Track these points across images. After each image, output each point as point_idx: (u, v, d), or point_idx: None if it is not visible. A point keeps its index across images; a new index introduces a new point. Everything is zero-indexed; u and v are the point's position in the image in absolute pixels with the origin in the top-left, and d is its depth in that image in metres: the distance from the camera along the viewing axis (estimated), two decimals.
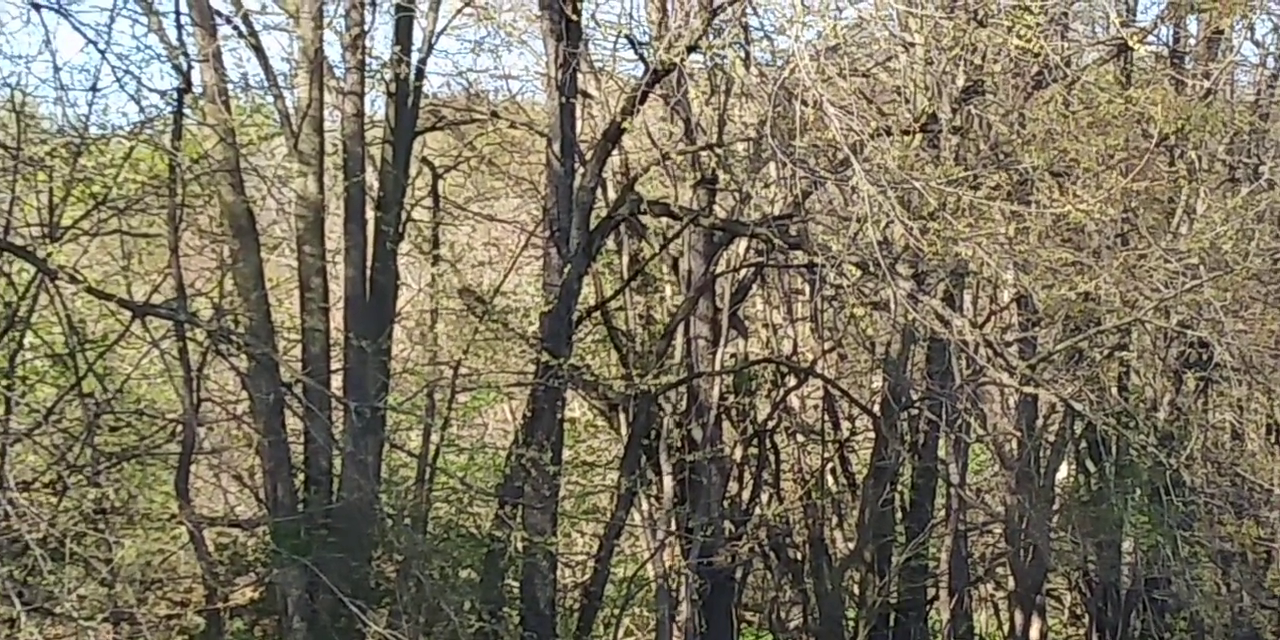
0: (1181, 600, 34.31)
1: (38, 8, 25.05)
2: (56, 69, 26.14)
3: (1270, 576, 35.45)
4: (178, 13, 25.86)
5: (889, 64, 30.76)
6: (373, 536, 26.39)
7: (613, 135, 29.15)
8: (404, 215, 28.56)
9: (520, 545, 27.90)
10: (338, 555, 24.98)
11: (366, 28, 26.91)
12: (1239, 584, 34.82)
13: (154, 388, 29.15)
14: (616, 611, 33.87)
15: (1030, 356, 31.59)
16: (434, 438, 30.67)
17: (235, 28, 26.78)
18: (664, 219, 31.59)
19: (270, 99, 27.65)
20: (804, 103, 26.82)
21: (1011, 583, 35.51)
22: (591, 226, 29.37)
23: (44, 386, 27.66)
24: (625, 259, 32.63)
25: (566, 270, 28.37)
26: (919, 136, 29.15)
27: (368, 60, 27.23)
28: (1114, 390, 33.40)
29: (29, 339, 26.76)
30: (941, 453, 33.78)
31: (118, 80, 26.58)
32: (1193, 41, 36.35)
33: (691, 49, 28.43)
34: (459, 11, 29.75)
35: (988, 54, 28.78)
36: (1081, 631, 38.61)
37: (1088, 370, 32.24)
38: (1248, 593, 35.07)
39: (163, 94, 26.43)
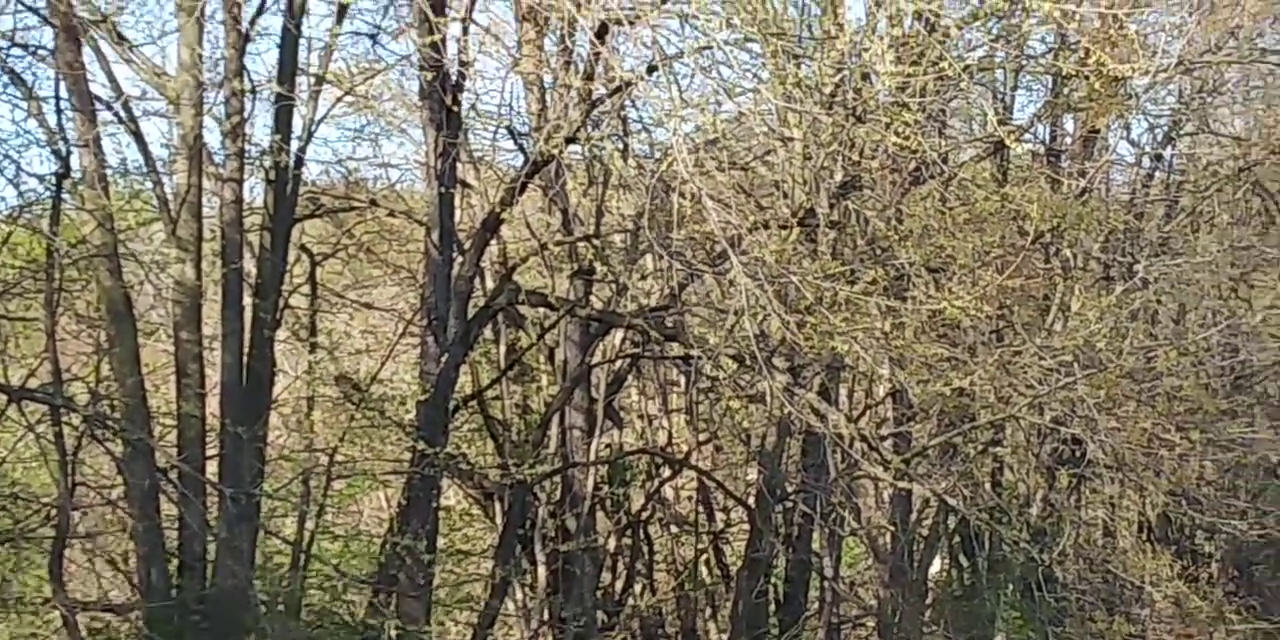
0: None
1: None
2: None
3: None
4: (57, 97, 26.05)
5: (767, 158, 30.90)
6: (246, 623, 26.16)
7: (491, 225, 29.36)
8: (282, 302, 28.47)
9: (394, 633, 27.73)
10: None
11: (246, 115, 26.91)
12: None
13: (29, 471, 28.99)
14: None
15: (905, 451, 31.56)
16: (309, 524, 30.71)
17: (115, 113, 26.83)
18: (541, 309, 31.62)
19: (149, 184, 27.60)
20: (682, 195, 26.83)
21: None
22: (469, 316, 29.43)
23: None
24: (502, 348, 32.63)
25: (444, 359, 28.42)
26: (796, 231, 29.19)
27: (247, 147, 27.17)
28: (987, 486, 33.62)
29: None
30: (816, 546, 33.77)
31: None
32: (1069, 140, 36.72)
33: (570, 140, 28.64)
34: (339, 100, 29.72)
35: (865, 150, 28.93)
36: None
37: (961, 465, 32.18)
38: None
39: (41, 178, 26.70)
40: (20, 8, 26.02)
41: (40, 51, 26.18)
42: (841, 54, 28.43)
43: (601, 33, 26.39)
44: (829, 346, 27.71)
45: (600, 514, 32.55)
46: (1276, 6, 35.12)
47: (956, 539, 35.45)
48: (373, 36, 29.50)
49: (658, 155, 29.00)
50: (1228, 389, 32.79)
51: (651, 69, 27.36)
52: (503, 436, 32.51)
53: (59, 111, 26.10)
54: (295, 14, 27.01)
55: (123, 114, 26.82)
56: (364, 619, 28.35)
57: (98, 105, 26.20)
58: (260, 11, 26.91)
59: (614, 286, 31.76)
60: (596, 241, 31.19)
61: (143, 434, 25.24)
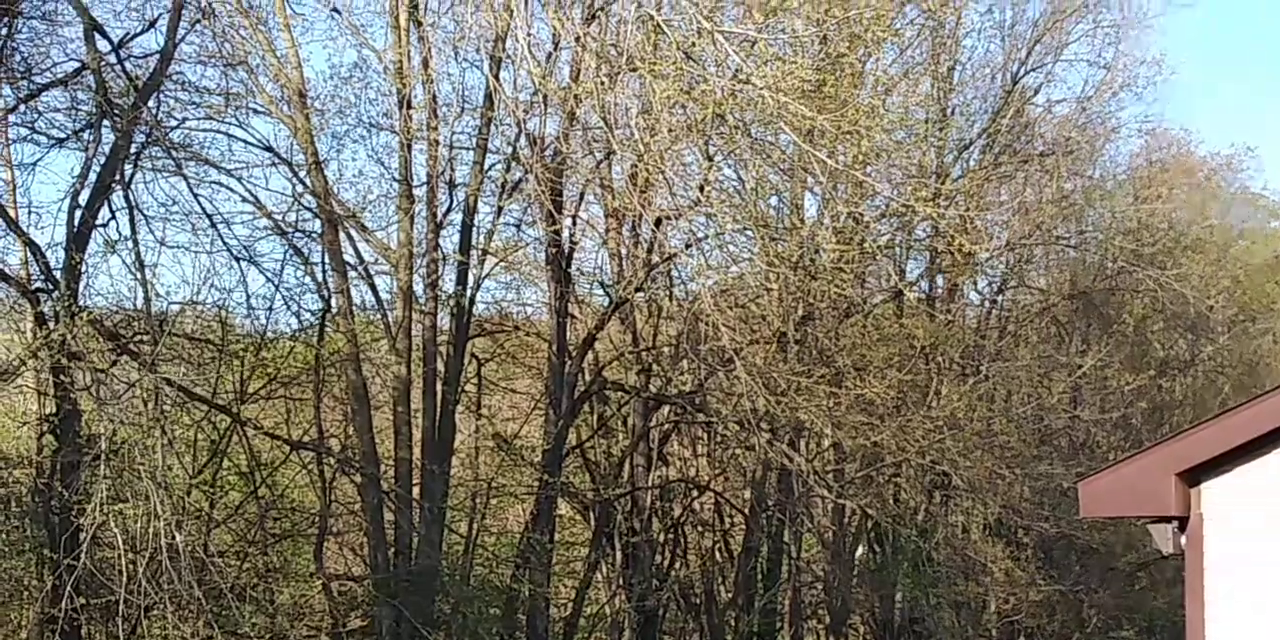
0: (932, 631, 33.91)
1: (238, 259, 25.93)
2: (248, 297, 26.96)
3: (984, 618, 35.02)
4: (323, 262, 26.75)
5: (757, 300, 30.50)
6: (436, 587, 26.38)
7: (589, 341, 29.39)
8: (459, 389, 28.40)
9: (527, 592, 27.71)
10: (415, 599, 25.07)
11: (439, 274, 27.00)
12: (966, 621, 34.18)
13: (302, 493, 29.17)
14: (585, 635, 33.72)
15: (841, 480, 31.46)
16: (475, 526, 30.90)
17: (358, 272, 27.19)
18: (619, 392, 31.28)
19: (379, 316, 27.72)
20: (706, 324, 27.49)
21: (828, 620, 35.12)
22: (575, 396, 29.37)
23: (234, 493, 27.84)
24: (595, 417, 32.16)
25: (559, 423, 28.47)
26: (775, 345, 29.39)
27: (439, 294, 27.22)
28: (891, 501, 33.06)
29: (225, 463, 27.32)
30: (786, 538, 33.33)
31: (285, 303, 27.56)
32: (940, 290, 36.16)
33: (638, 289, 29.01)
34: (496, 264, 29.68)
35: (817, 295, 28.52)
36: None
37: (875, 489, 31.90)
38: (970, 627, 34.58)
39: (312, 312, 27.59)
40: (300, 207, 26.91)
41: (313, 234, 26.81)
42: (802, 237, 28.69)
43: (658, 223, 26.68)
44: (795, 416, 28.04)
45: (654, 519, 32.18)
46: (1066, 210, 35.08)
47: (873, 534, 34.71)
48: (517, 226, 29.94)
49: (691, 298, 28.91)
50: (1037, 443, 32.38)
51: (688, 245, 28.05)
52: (595, 471, 32.30)
53: (323, 271, 26.70)
54: (469, 212, 27.19)
55: (362, 272, 27.20)
56: (509, 585, 28.27)
57: (347, 267, 26.58)
58: (448, 211, 27.18)
59: (664, 378, 31.52)
60: (652, 351, 31.07)
61: (373, 470, 25.71)
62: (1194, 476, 11.15)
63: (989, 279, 37.16)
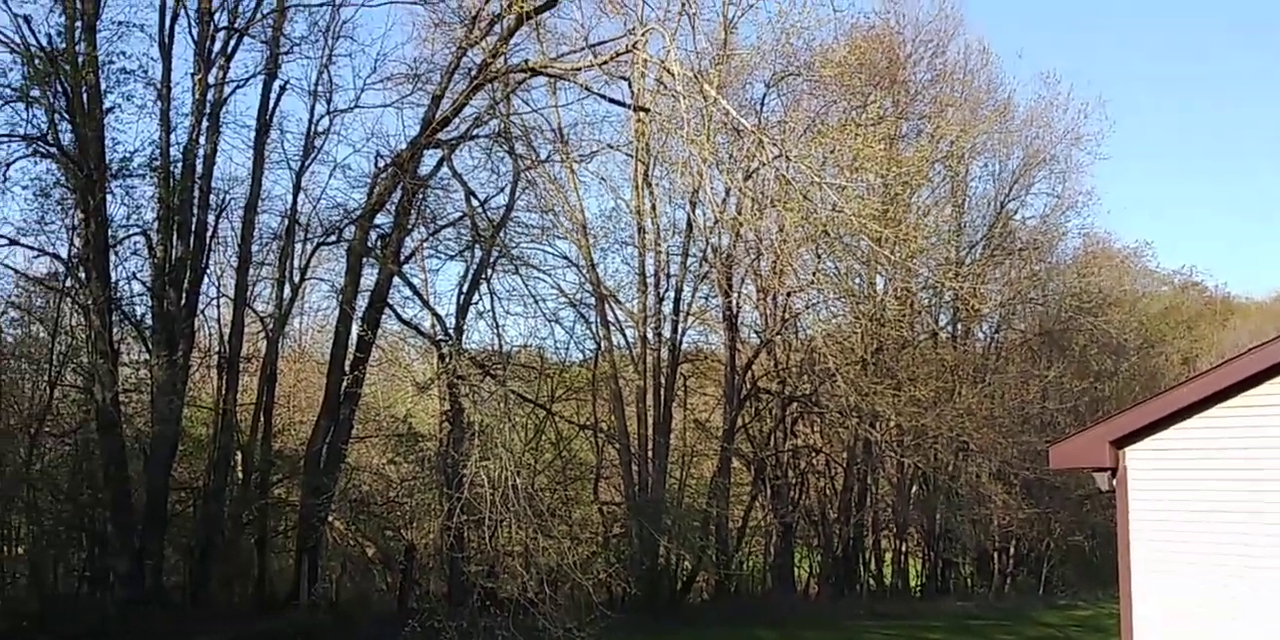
0: (957, 537, 32.55)
1: (549, 321, 25.80)
2: (555, 342, 27.14)
3: (991, 529, 33.36)
4: (596, 322, 26.45)
5: (849, 339, 29.25)
6: (662, 510, 25.45)
7: (748, 365, 28.36)
8: (673, 393, 27.41)
9: (715, 513, 26.91)
10: (650, 516, 24.47)
11: (661, 327, 26.50)
12: (978, 532, 32.79)
13: (586, 454, 27.93)
14: (749, 538, 31.39)
15: (902, 446, 29.61)
16: (684, 474, 28.78)
17: (616, 326, 26.96)
18: (766, 395, 29.53)
19: (627, 351, 27.07)
20: (818, 354, 27.25)
21: (895, 530, 33.58)
22: (741, 397, 28.33)
23: (548, 454, 26.26)
24: (753, 409, 29.73)
25: (732, 414, 27.66)
26: (860, 366, 28.42)
27: (661, 337, 26.63)
28: (931, 458, 31.00)
29: (543, 437, 25.81)
30: (869, 481, 31.97)
31: (575, 345, 27.96)
32: (959, 331, 34.34)
33: (777, 333, 28.33)
34: (693, 321, 28.74)
35: (885, 336, 27.94)
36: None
37: (923, 452, 30.21)
38: (981, 535, 33.02)
39: (590, 350, 27.41)
40: (583, 290, 26.63)
41: (590, 305, 26.18)
42: (875, 302, 28.50)
43: (788, 295, 25.67)
44: (873, 408, 27.46)
45: (789, 470, 30.91)
46: (1035, 282, 33.82)
47: (921, 479, 32.82)
48: (705, 298, 28.74)
49: (809, 338, 28.70)
50: (1021, 423, 31.60)
51: (806, 307, 27.64)
52: (753, 441, 29.83)
53: (596, 326, 26.00)
54: (678, 291, 26.59)
55: (618, 327, 26.53)
56: (704, 508, 26.65)
57: (609, 324, 26.25)
58: (666, 290, 26.44)
59: (793, 385, 29.87)
60: (786, 369, 29.84)
61: (625, 441, 24.47)
62: (1120, 443, 11.19)
63: (989, 324, 36.15)
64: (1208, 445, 10.57)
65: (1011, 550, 36.02)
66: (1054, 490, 32.99)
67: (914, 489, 33.75)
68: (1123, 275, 40.92)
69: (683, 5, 23.65)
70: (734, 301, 28.48)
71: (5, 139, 18.57)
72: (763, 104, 26.98)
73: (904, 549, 34.01)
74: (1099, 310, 33.93)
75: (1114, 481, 11.18)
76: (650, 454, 26.59)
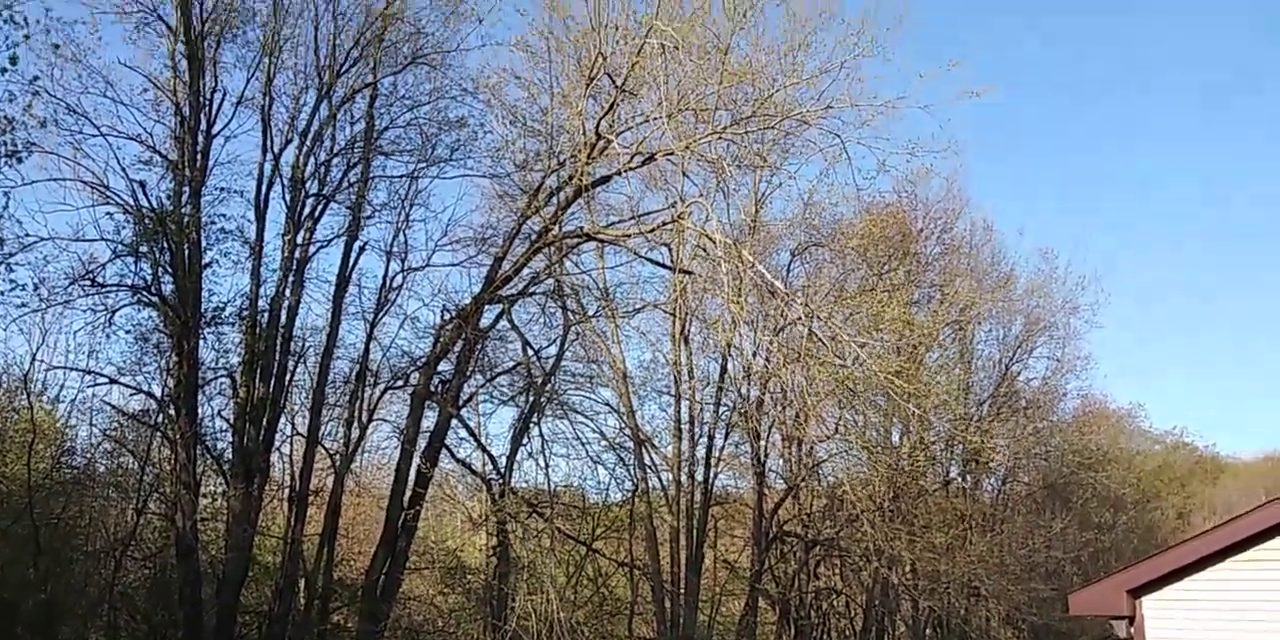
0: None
1: (592, 461, 25.30)
2: (597, 482, 26.79)
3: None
4: (634, 465, 25.74)
5: (869, 486, 28.38)
6: None
7: (775, 508, 27.69)
8: (704, 534, 26.70)
9: None
10: None
11: (694, 471, 25.94)
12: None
13: (622, 589, 27.32)
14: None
15: (918, 590, 29.13)
16: (714, 610, 28.19)
17: (652, 469, 26.24)
18: (792, 537, 28.92)
19: (661, 493, 26.33)
20: (841, 499, 26.59)
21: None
22: (768, 539, 27.73)
23: (586, 590, 25.35)
24: (779, 550, 29.09)
25: (759, 555, 27.07)
26: (880, 511, 27.60)
27: (695, 481, 26.15)
28: (945, 603, 29.91)
29: (583, 572, 25.15)
30: (885, 622, 30.80)
31: (615, 485, 27.13)
32: (970, 482, 33.85)
33: (802, 479, 27.72)
34: (724, 466, 28.17)
35: (903, 484, 27.49)
36: None
37: (937, 596, 29.37)
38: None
39: (628, 491, 26.32)
40: (623, 435, 26.05)
41: (629, 448, 25.70)
42: (894, 453, 28.13)
43: (812, 444, 26.17)
44: (892, 552, 26.55)
45: (811, 610, 29.73)
46: (1039, 439, 33.68)
47: (936, 620, 31.51)
48: (735, 445, 28.29)
49: (833, 485, 28.19)
50: (1028, 570, 30.46)
51: (830, 456, 27.09)
52: (779, 581, 28.80)
53: (634, 468, 25.45)
54: (710, 438, 26.43)
55: (654, 470, 26.01)
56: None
57: (646, 468, 25.47)
58: (698, 437, 26.33)
59: (817, 529, 29.04)
60: (811, 514, 29.38)
61: (659, 578, 23.89)
62: (1137, 592, 11.06)
63: (997, 476, 35.81)
64: (1220, 596, 10.44)
65: None
66: (1061, 636, 32.00)
67: (928, 631, 32.87)
68: (1118, 434, 40.73)
69: (718, 182, 24.33)
70: (762, 449, 28.29)
71: (114, 288, 19.13)
72: (788, 270, 27.61)
73: None
74: (1098, 466, 33.65)
75: (1131, 630, 10.96)
76: (683, 591, 25.96)
